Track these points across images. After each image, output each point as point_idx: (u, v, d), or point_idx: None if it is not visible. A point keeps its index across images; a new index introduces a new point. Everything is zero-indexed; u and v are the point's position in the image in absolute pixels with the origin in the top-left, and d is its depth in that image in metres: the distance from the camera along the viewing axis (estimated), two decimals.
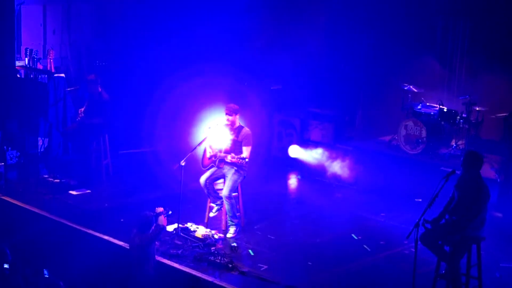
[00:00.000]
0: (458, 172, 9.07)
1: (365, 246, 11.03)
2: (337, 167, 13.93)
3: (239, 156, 10.86)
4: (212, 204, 11.42)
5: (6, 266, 9.89)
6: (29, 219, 11.92)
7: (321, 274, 10.07)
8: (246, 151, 11.05)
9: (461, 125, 13.66)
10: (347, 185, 13.71)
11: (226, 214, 11.20)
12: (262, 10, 15.86)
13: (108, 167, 13.78)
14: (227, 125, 11.20)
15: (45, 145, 14.41)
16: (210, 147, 11.24)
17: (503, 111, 13.24)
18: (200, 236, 10.88)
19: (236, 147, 11.12)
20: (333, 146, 14.56)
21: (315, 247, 10.98)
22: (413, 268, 8.58)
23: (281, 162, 14.94)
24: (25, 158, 14.23)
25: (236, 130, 11.18)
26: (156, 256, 9.84)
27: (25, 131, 14.50)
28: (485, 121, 13.83)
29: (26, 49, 14.77)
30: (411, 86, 14.36)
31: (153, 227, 9.64)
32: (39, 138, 14.38)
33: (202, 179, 11.23)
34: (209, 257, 10.18)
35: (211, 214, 11.44)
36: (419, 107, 14.25)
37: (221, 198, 11.18)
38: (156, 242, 9.88)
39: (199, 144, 11.20)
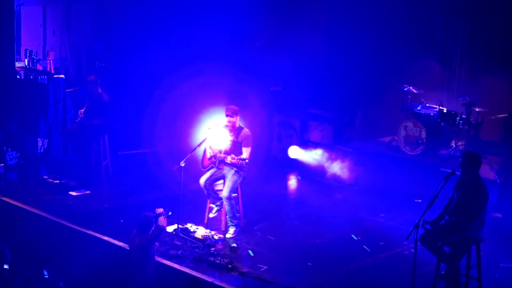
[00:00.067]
0: (458, 173, 9.07)
1: (365, 246, 11.03)
2: (337, 168, 13.93)
3: (239, 157, 10.86)
4: (212, 205, 11.42)
5: (6, 266, 9.90)
6: (29, 220, 11.92)
7: (321, 274, 10.07)
8: (246, 152, 11.05)
9: (460, 126, 13.66)
10: (347, 186, 13.70)
11: (226, 215, 11.20)
12: (262, 10, 15.86)
13: (108, 168, 13.78)
14: (227, 126, 11.21)
15: (45, 146, 14.41)
16: (210, 148, 11.24)
17: (503, 112, 13.25)
18: (200, 237, 10.88)
19: (236, 148, 11.12)
20: (333, 147, 14.56)
21: (315, 247, 10.98)
22: (412, 269, 8.58)
23: (281, 163, 14.93)
24: (25, 159, 14.23)
25: (236, 131, 11.18)
26: (156, 257, 9.85)
27: (25, 132, 14.50)
28: (485, 122, 13.83)
29: (26, 50, 14.77)
30: (410, 87, 14.37)
31: (153, 228, 9.64)
32: (38, 139, 14.38)
33: (202, 180, 11.23)
34: (209, 258, 10.18)
35: (211, 215, 11.44)
36: (419, 108, 14.25)
37: (221, 199, 11.18)
38: (156, 243, 9.88)
39: (199, 145, 11.20)
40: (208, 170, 11.27)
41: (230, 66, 15.46)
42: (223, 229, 11.28)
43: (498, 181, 12.40)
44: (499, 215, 11.95)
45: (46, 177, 13.45)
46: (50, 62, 14.68)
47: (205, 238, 10.84)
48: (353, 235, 11.43)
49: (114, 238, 10.85)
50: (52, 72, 14.58)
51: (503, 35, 13.83)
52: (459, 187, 9.07)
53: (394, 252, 10.85)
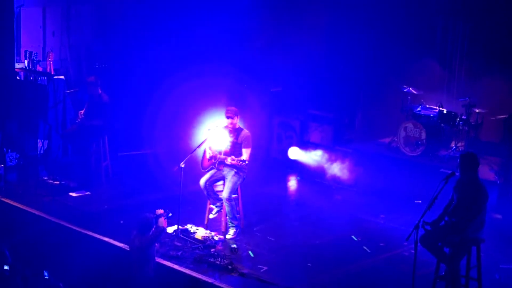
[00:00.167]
0: (457, 174, 9.08)
1: (364, 247, 11.04)
2: (337, 169, 13.94)
3: (239, 159, 10.86)
4: (212, 206, 11.41)
5: (6, 267, 9.90)
6: (29, 221, 11.92)
7: (321, 275, 10.08)
8: (245, 153, 11.05)
9: (460, 127, 13.66)
10: (347, 187, 13.71)
11: (226, 216, 11.20)
12: (262, 11, 15.86)
13: (107, 169, 13.78)
14: (227, 127, 11.21)
15: (45, 147, 14.40)
16: (210, 148, 11.24)
17: (503, 113, 13.26)
18: (200, 238, 10.89)
19: (235, 149, 11.12)
20: (332, 148, 14.56)
21: (315, 248, 10.98)
22: (412, 270, 8.58)
23: (280, 164, 14.94)
24: (24, 160, 14.22)
25: (235, 132, 11.18)
26: (156, 258, 9.84)
27: (24, 133, 14.49)
28: (484, 123, 13.83)
29: (25, 51, 14.76)
30: (410, 88, 14.37)
31: (153, 229, 9.64)
32: (38, 140, 14.37)
33: (202, 181, 11.23)
34: (209, 259, 10.18)
35: (211, 216, 11.44)
36: (418, 109, 14.25)
37: (221, 199, 11.18)
38: (156, 244, 9.87)
39: (199, 146, 11.20)
40: (208, 171, 11.27)
41: (230, 66, 15.48)
42: (223, 230, 11.29)
43: (498, 182, 12.41)
44: (499, 216, 11.96)
45: (46, 178, 13.46)
46: (50, 63, 14.68)
47: (205, 239, 10.84)
48: (353, 236, 11.44)
49: (114, 239, 10.84)
50: (52, 73, 14.58)
51: (503, 36, 13.83)
52: (459, 188, 9.07)
53: (394, 253, 10.85)
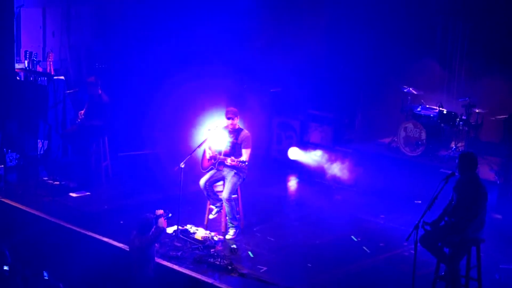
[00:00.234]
0: (457, 174, 9.08)
1: (364, 248, 11.04)
2: (337, 169, 13.94)
3: (238, 160, 10.85)
4: (211, 206, 11.41)
5: (5, 268, 9.90)
6: (28, 221, 11.92)
7: (321, 275, 10.08)
8: (245, 154, 11.04)
9: (460, 127, 13.65)
10: (347, 187, 13.71)
11: (226, 216, 11.20)
12: (262, 11, 15.87)
13: (107, 169, 13.78)
14: (226, 127, 11.20)
15: (45, 147, 14.40)
16: (210, 149, 11.24)
17: (503, 113, 13.26)
18: (199, 238, 10.89)
19: (235, 150, 11.12)
20: (332, 148, 14.57)
21: (315, 248, 10.98)
22: (412, 270, 8.59)
23: (280, 164, 14.94)
24: (24, 160, 14.23)
25: (235, 133, 11.18)
26: (155, 258, 9.84)
27: (24, 133, 14.49)
28: (484, 123, 13.83)
29: (25, 52, 14.76)
30: (410, 88, 14.37)
31: (153, 229, 9.64)
32: (38, 141, 14.37)
33: (202, 181, 11.23)
34: (209, 259, 10.18)
35: (211, 216, 11.43)
36: (418, 109, 14.25)
37: (220, 200, 11.18)
38: (156, 244, 9.87)
39: (199, 146, 11.20)
40: (208, 171, 11.27)
41: (230, 67, 15.49)
42: (223, 230, 11.28)
43: (498, 182, 12.41)
44: (499, 216, 11.96)
45: (46, 178, 13.45)
46: (50, 63, 14.68)
47: (205, 240, 10.84)
48: (353, 236, 11.44)
49: (114, 239, 10.84)
50: (52, 73, 14.57)
51: (503, 36, 13.84)
52: (458, 188, 9.07)
53: (394, 253, 10.85)
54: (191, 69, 15.36)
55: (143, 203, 12.22)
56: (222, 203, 11.13)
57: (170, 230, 10.93)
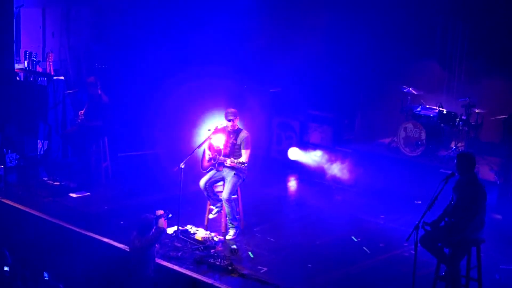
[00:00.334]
0: (457, 174, 9.08)
1: (364, 248, 11.03)
2: (337, 170, 13.94)
3: (238, 161, 10.85)
4: (211, 207, 11.41)
5: (6, 268, 9.92)
6: (29, 222, 11.92)
7: (321, 276, 10.07)
8: (245, 154, 11.04)
9: (460, 127, 13.65)
10: (347, 187, 13.71)
11: (226, 217, 11.20)
12: (261, 12, 15.86)
13: (107, 170, 13.78)
14: (226, 127, 11.19)
15: (45, 148, 14.41)
16: (209, 149, 11.24)
17: (503, 113, 13.25)
18: (200, 239, 10.89)
19: (235, 150, 11.12)
20: (332, 148, 14.57)
21: (315, 249, 10.98)
22: (413, 270, 8.59)
23: (280, 165, 14.94)
24: (24, 161, 14.23)
25: (235, 133, 11.17)
26: (156, 259, 9.84)
27: (24, 134, 14.50)
28: (484, 123, 13.83)
29: (25, 52, 14.76)
30: (410, 88, 14.37)
31: (153, 230, 9.64)
32: (38, 141, 14.38)
33: (202, 181, 11.23)
34: (209, 260, 10.18)
35: (211, 217, 11.44)
36: (418, 109, 14.25)
37: (220, 200, 11.18)
38: (156, 245, 9.87)
39: (199, 146, 11.20)
40: (207, 172, 11.27)
41: (230, 67, 15.49)
42: (223, 230, 11.28)
43: (498, 182, 12.41)
44: (499, 217, 11.96)
45: (46, 179, 13.45)
46: (49, 64, 14.68)
47: (205, 240, 10.84)
48: (353, 237, 11.43)
49: (114, 240, 10.84)
50: (52, 74, 14.57)
51: (503, 36, 13.83)
52: (458, 188, 9.08)
53: (394, 254, 10.85)
54: (191, 69, 15.36)
55: (143, 203, 12.22)
56: (222, 204, 11.13)
57: (170, 230, 10.93)
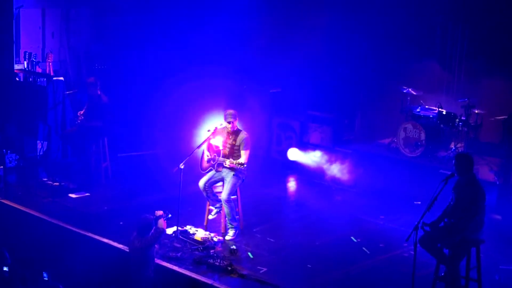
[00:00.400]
0: (456, 175, 9.08)
1: (364, 248, 11.03)
2: (336, 170, 13.95)
3: (237, 162, 10.85)
4: (211, 207, 11.41)
5: (5, 269, 9.91)
6: (28, 222, 11.92)
7: (320, 276, 10.07)
8: (244, 155, 11.04)
9: (460, 128, 13.65)
10: (346, 188, 13.70)
11: (225, 217, 11.20)
12: (261, 12, 15.86)
13: (107, 170, 13.78)
14: (226, 128, 11.18)
15: (44, 149, 14.41)
16: (209, 150, 11.24)
17: (502, 113, 13.24)
18: (199, 239, 10.88)
19: (234, 151, 11.11)
20: (332, 149, 14.58)
21: (314, 249, 10.98)
22: (412, 271, 8.59)
23: (280, 165, 14.94)
24: (24, 162, 14.24)
25: (234, 134, 11.16)
26: (155, 259, 9.84)
27: (24, 135, 14.51)
28: (484, 124, 13.83)
29: (25, 53, 14.77)
30: (410, 89, 14.38)
31: (152, 230, 9.63)
32: (38, 142, 14.38)
33: (201, 182, 11.23)
34: (208, 260, 10.17)
35: (210, 217, 11.44)
36: (418, 110, 14.25)
37: (220, 201, 11.17)
38: (156, 245, 9.87)
39: (198, 147, 11.20)
40: (207, 172, 11.27)
41: (230, 68, 15.49)
42: (222, 231, 11.28)
43: (497, 182, 12.41)
44: (499, 217, 11.96)
45: (45, 179, 13.43)
46: (49, 64, 14.68)
47: (204, 240, 10.84)
48: (352, 237, 11.43)
49: (114, 240, 10.85)
50: (52, 74, 14.58)
51: (503, 37, 13.83)
52: (457, 189, 9.08)
53: (394, 254, 10.84)
54: (190, 69, 15.36)
55: (143, 204, 12.22)
56: (222, 204, 11.13)
57: (169, 231, 10.92)
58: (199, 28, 15.91)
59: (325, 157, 14.27)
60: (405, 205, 12.53)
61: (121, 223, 11.60)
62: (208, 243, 10.77)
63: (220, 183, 11.33)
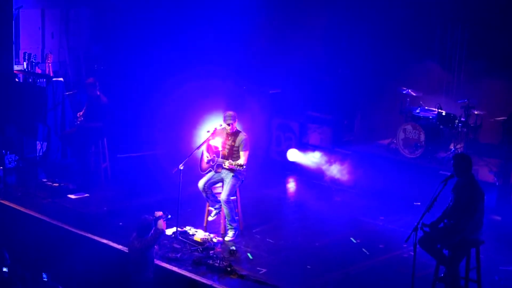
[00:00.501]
0: (455, 176, 9.08)
1: (364, 249, 11.03)
2: (336, 171, 13.95)
3: (236, 163, 10.85)
4: (210, 208, 11.41)
5: (5, 269, 9.91)
6: (28, 223, 11.91)
7: (320, 277, 10.07)
8: (243, 156, 11.03)
9: (459, 129, 13.65)
10: (346, 189, 13.70)
11: (225, 218, 11.19)
12: (261, 13, 15.85)
13: (106, 171, 13.78)
14: (225, 129, 11.17)
15: (44, 149, 14.40)
16: (208, 151, 11.24)
17: (502, 114, 13.23)
18: (199, 240, 10.88)
19: (233, 152, 11.11)
20: (331, 150, 14.58)
21: (314, 250, 10.97)
22: (412, 272, 8.59)
23: (279, 166, 14.93)
24: (23, 162, 14.23)
25: (233, 135, 11.16)
26: (155, 260, 9.83)
27: (23, 135, 14.51)
28: (483, 125, 13.82)
29: (24, 53, 14.77)
30: (409, 90, 14.37)
31: (152, 231, 9.63)
32: (37, 142, 14.38)
33: (201, 183, 11.22)
34: (208, 261, 10.17)
35: (210, 218, 11.43)
36: (417, 111, 14.24)
37: (219, 202, 11.17)
38: (155, 246, 9.86)
39: (198, 148, 11.20)
40: (206, 173, 11.27)
41: (229, 68, 15.49)
42: (222, 232, 11.27)
43: (497, 183, 12.41)
44: (498, 218, 11.95)
45: (45, 180, 13.43)
46: (49, 65, 14.68)
47: (204, 241, 10.83)
48: (352, 238, 11.43)
49: (113, 241, 10.85)
50: (51, 75, 14.58)
51: (502, 38, 13.83)
52: (455, 189, 9.08)
53: (393, 255, 10.84)
54: (190, 70, 15.37)
55: (142, 204, 12.22)
56: (221, 205, 11.12)
57: (169, 231, 10.92)
58: (198, 29, 15.91)
59: (325, 158, 14.27)
60: (405, 206, 12.53)
61: (120, 223, 11.60)
62: (207, 244, 10.76)
63: (220, 184, 11.33)
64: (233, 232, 11.18)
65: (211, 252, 10.56)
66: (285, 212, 12.86)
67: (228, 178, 11.07)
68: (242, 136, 11.12)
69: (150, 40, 16.22)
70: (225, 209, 11.06)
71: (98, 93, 13.34)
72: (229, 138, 11.16)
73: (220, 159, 11.05)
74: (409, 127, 13.97)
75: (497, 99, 13.86)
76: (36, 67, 14.72)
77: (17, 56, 15.22)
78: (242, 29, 15.67)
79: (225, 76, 15.45)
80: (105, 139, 13.61)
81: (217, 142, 11.21)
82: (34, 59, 14.60)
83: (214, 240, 11.01)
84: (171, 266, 10.11)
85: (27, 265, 10.77)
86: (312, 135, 15.14)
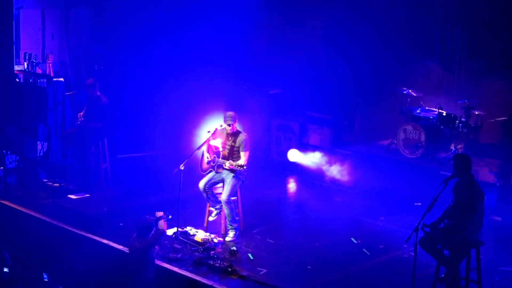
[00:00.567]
0: (455, 176, 9.08)
1: (364, 250, 11.03)
2: (336, 171, 13.95)
3: (237, 163, 10.86)
4: (211, 208, 11.42)
5: (5, 270, 9.92)
6: (28, 223, 11.92)
7: (320, 278, 10.07)
8: (244, 157, 11.04)
9: (460, 129, 13.65)
10: (346, 189, 13.70)
11: (225, 218, 11.20)
12: (261, 13, 15.86)
13: (107, 171, 13.78)
14: (225, 130, 11.17)
15: (44, 150, 14.40)
16: (208, 151, 11.24)
17: (502, 115, 13.23)
18: (199, 240, 10.88)
19: (233, 152, 11.11)
20: (332, 150, 14.57)
21: (314, 250, 10.98)
22: (412, 272, 8.59)
23: (280, 166, 14.93)
24: (24, 163, 14.24)
25: (233, 135, 11.16)
26: (155, 260, 9.83)
27: (24, 136, 14.50)
28: (484, 125, 13.81)
29: (25, 54, 14.77)
30: (410, 90, 14.36)
31: (153, 232, 9.63)
32: (38, 143, 14.37)
33: (201, 183, 11.23)
34: (209, 261, 10.18)
35: (211, 218, 11.44)
36: (418, 111, 14.24)
37: (220, 202, 11.18)
38: (156, 246, 9.86)
39: (198, 148, 11.20)
40: (207, 173, 11.27)
41: (229, 69, 15.48)
42: (222, 232, 11.28)
43: (497, 184, 12.41)
44: (499, 218, 11.96)
45: (45, 180, 13.44)
46: (49, 65, 14.68)
47: (204, 242, 10.83)
48: (352, 238, 11.43)
49: (114, 242, 10.85)
50: (51, 75, 14.58)
51: (503, 38, 13.83)
52: (455, 190, 9.09)
53: (394, 255, 10.85)
54: (190, 71, 15.38)
55: (143, 205, 12.22)
56: (222, 205, 11.13)
57: (170, 232, 10.92)
58: (198, 29, 15.91)
59: (325, 158, 14.27)
60: (405, 207, 12.54)
61: (121, 224, 11.60)
62: (208, 244, 10.76)
63: (221, 184, 11.34)
64: (234, 232, 11.18)
65: (211, 252, 10.56)
66: (286, 213, 12.86)
67: (229, 178, 11.08)
68: (242, 137, 11.12)
69: (150, 40, 16.22)
70: (225, 210, 11.07)
71: (98, 93, 13.34)
72: (229, 138, 11.16)
73: (220, 160, 11.05)
74: (409, 128, 13.97)
75: (497, 99, 13.86)
76: (37, 67, 14.72)
77: (18, 56, 15.22)
78: (242, 29, 15.68)
79: (225, 76, 15.45)
80: (105, 140, 13.61)
81: (218, 143, 11.22)
82: (35, 59, 14.59)
83: (215, 240, 11.01)
84: (172, 267, 10.11)
85: (27, 265, 10.78)
86: (312, 135, 15.14)
